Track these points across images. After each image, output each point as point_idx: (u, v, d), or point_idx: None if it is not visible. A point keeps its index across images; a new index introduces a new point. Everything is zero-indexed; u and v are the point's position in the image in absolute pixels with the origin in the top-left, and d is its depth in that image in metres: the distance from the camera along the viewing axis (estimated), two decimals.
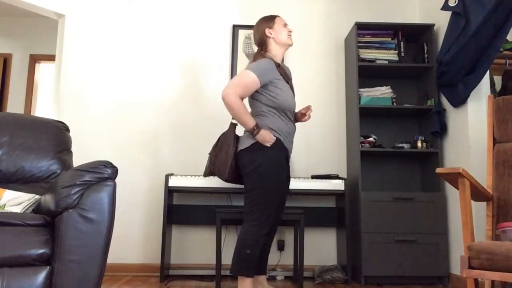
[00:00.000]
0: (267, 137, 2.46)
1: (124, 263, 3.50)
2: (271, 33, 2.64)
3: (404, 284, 3.21)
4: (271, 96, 2.53)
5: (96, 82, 3.75)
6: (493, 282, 2.19)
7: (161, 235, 3.52)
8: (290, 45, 2.70)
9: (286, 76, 2.64)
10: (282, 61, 2.72)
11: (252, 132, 2.47)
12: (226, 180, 2.62)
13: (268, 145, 2.47)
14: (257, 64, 2.54)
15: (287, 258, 3.55)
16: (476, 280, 1.97)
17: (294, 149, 3.64)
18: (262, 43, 2.67)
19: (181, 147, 3.69)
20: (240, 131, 2.61)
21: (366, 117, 3.68)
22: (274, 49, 2.66)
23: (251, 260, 2.43)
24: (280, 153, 2.52)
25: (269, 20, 2.68)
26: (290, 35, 2.69)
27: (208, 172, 2.67)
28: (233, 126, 2.64)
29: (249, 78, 2.48)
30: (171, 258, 3.51)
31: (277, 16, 2.72)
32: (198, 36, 3.85)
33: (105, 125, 3.69)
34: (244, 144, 2.53)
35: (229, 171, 2.56)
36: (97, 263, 1.77)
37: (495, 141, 2.48)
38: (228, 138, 2.60)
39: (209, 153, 2.70)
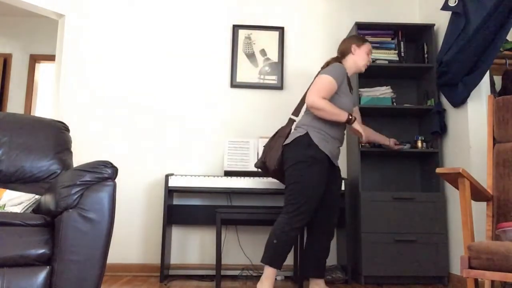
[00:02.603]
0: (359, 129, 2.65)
1: (124, 263, 3.50)
2: (355, 50, 2.78)
3: (404, 284, 3.21)
4: (332, 98, 2.63)
5: (96, 82, 3.75)
6: (493, 282, 2.19)
7: (161, 235, 3.52)
8: (360, 72, 2.85)
9: (350, 85, 2.78)
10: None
11: (349, 122, 2.61)
12: (273, 172, 2.75)
13: (362, 137, 2.67)
14: (332, 67, 2.68)
15: (287, 258, 3.53)
16: (476, 280, 1.97)
17: None
18: (343, 54, 2.82)
19: (181, 147, 3.69)
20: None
21: (366, 117, 3.67)
22: (348, 65, 2.79)
23: (276, 251, 2.54)
24: (318, 153, 2.59)
25: (360, 40, 2.83)
26: (367, 65, 2.83)
27: (260, 163, 2.83)
28: (290, 121, 2.81)
29: (326, 80, 2.60)
30: (171, 258, 3.51)
31: (368, 41, 2.84)
32: (198, 36, 3.85)
33: (105, 125, 3.69)
34: (289, 139, 2.67)
35: (278, 163, 2.69)
36: (97, 263, 1.77)
37: (495, 141, 2.48)
38: (283, 132, 2.77)
39: (264, 146, 2.86)
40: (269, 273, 2.56)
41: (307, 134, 2.61)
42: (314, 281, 2.72)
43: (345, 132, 3.77)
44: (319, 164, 2.58)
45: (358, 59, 2.78)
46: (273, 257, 2.55)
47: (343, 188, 3.28)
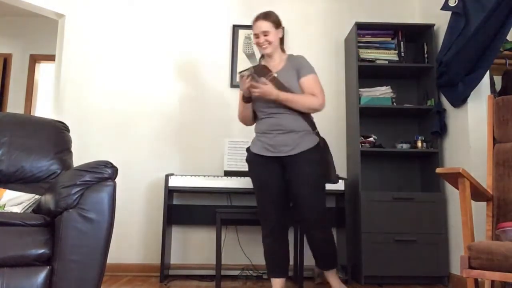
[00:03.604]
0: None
1: (124, 263, 3.49)
2: None
3: (404, 284, 3.21)
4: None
5: (96, 82, 3.75)
6: (493, 282, 2.19)
7: (161, 235, 3.51)
8: (264, 54, 2.65)
9: (264, 71, 2.56)
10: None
11: (244, 100, 2.62)
12: None
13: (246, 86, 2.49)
14: None
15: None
16: (476, 280, 1.97)
17: None
18: None
19: (181, 147, 3.69)
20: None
21: (366, 117, 3.67)
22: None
23: (266, 261, 2.62)
24: (249, 156, 2.66)
25: None
26: (260, 46, 2.59)
27: None
28: None
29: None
30: (171, 258, 3.51)
31: (254, 23, 2.60)
32: (198, 36, 3.85)
33: (105, 125, 3.69)
34: None
35: None
36: (97, 263, 1.77)
37: (495, 141, 2.48)
38: None
39: None
40: (272, 283, 2.61)
41: None
42: (325, 273, 2.71)
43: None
44: (251, 166, 2.64)
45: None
46: (267, 268, 2.64)
47: (342, 187, 3.26)
